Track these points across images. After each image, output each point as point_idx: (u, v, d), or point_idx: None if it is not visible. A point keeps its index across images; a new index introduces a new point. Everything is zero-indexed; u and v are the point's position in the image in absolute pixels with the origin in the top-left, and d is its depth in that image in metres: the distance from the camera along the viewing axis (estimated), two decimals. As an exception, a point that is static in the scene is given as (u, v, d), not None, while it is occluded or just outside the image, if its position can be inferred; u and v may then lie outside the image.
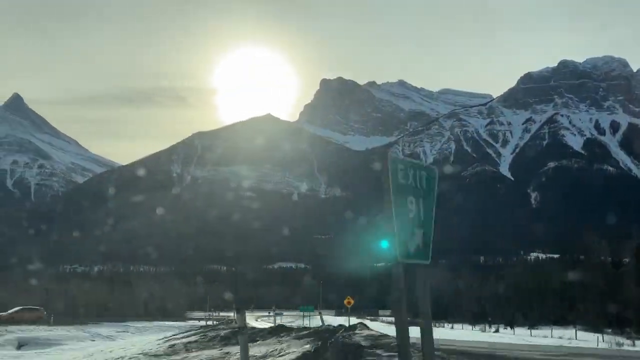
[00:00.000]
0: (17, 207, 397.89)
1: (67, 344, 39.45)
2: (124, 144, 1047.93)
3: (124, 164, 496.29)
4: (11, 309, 63.83)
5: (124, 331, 52.00)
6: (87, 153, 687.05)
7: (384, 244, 5.44)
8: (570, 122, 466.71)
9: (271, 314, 74.82)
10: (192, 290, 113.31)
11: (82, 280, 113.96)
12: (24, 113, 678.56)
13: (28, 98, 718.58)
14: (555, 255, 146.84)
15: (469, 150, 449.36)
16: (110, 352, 27.25)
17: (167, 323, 66.45)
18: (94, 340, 42.75)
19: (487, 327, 78.65)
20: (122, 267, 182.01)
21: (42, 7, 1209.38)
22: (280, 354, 16.09)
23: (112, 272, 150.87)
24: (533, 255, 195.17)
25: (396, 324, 5.23)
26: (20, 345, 38.26)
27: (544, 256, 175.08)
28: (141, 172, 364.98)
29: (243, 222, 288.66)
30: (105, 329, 51.69)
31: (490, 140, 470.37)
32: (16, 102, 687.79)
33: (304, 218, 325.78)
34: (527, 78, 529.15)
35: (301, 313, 59.86)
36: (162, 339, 30.01)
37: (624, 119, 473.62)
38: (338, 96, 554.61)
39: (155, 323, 64.96)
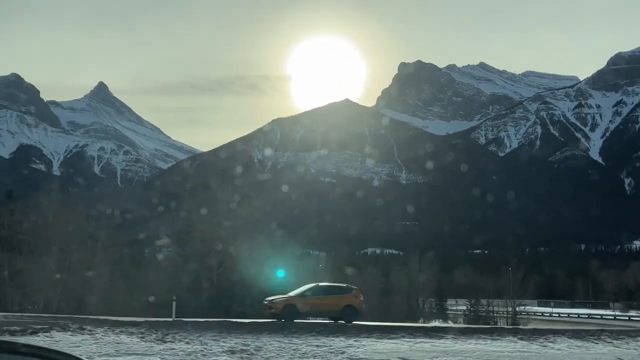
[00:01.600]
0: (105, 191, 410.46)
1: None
2: (203, 131, 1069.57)
3: (204, 150, 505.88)
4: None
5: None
6: (169, 140, 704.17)
7: None
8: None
9: None
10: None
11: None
12: (108, 101, 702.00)
13: (112, 87, 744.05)
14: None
15: (556, 134, 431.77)
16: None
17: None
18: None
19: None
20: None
21: (127, 3, 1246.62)
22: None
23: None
24: (637, 243, 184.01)
25: None
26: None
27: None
28: (223, 158, 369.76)
29: (324, 208, 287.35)
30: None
31: (579, 124, 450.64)
32: (101, 91, 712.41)
33: (385, 204, 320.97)
34: (618, 58, 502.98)
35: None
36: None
37: None
38: (417, 80, 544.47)
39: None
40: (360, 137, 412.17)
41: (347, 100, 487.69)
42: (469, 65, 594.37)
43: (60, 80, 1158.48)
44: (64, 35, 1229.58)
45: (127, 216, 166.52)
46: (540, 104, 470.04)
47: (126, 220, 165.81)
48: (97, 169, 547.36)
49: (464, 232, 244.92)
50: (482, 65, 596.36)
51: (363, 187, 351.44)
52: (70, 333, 20.30)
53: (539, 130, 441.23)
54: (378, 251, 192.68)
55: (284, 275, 65.04)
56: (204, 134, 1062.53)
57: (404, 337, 22.75)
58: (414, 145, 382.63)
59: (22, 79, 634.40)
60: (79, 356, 3.86)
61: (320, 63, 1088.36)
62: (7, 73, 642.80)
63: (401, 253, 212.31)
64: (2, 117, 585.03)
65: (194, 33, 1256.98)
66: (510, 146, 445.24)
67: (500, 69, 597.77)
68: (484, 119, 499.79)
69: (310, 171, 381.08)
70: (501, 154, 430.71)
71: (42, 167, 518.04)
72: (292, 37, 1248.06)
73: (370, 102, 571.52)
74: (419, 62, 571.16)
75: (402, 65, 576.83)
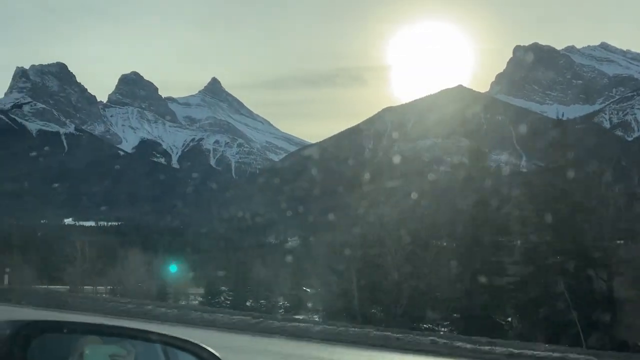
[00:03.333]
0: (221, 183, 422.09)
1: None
2: (310, 122, 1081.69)
3: (312, 141, 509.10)
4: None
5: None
6: (279, 132, 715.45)
7: None
8: None
9: None
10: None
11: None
12: (221, 96, 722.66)
13: (224, 83, 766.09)
14: None
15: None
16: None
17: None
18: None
19: None
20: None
21: (235, 2, 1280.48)
22: None
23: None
24: None
25: None
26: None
27: None
28: (334, 148, 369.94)
29: (441, 197, 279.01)
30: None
31: None
32: (214, 87, 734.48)
33: (505, 194, 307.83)
34: None
35: None
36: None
37: None
38: (533, 63, 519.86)
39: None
40: (476, 124, 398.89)
41: (460, 86, 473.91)
42: (589, 46, 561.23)
43: (176, 77, 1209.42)
44: (178, 35, 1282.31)
45: (257, 219, 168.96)
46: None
47: (256, 223, 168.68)
48: (212, 162, 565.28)
49: (594, 221, 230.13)
50: (604, 46, 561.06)
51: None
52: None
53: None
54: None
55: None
56: (310, 125, 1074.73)
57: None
58: (533, 132, 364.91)
59: (142, 76, 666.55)
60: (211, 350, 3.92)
61: (426, 50, 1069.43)
62: (128, 71, 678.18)
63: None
64: (124, 114, 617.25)
65: (298, 27, 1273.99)
66: (639, 130, 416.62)
67: (624, 49, 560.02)
68: (608, 102, 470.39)
69: (423, 160, 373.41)
70: (629, 138, 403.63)
71: (162, 160, 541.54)
72: (394, 26, 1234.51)
73: (483, 88, 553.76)
74: (535, 44, 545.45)
75: (518, 49, 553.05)
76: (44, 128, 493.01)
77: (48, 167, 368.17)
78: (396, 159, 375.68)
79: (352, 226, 55.90)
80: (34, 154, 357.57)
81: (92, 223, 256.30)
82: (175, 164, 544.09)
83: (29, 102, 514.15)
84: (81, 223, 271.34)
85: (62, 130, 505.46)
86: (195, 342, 3.97)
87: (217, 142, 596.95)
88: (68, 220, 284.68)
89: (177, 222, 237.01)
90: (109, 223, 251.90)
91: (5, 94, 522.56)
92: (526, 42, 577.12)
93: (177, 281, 62.35)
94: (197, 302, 60.59)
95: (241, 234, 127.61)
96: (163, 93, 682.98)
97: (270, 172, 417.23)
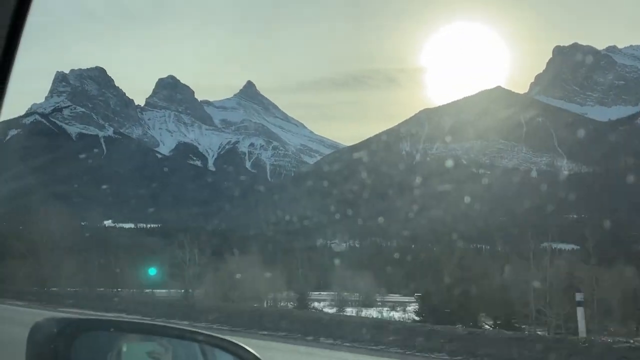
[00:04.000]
0: (254, 184, 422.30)
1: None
2: (344, 125, 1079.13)
3: (346, 144, 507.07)
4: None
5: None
6: (313, 135, 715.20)
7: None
8: None
9: None
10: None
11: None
12: (256, 99, 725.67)
13: (259, 86, 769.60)
14: None
15: None
16: None
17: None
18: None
19: None
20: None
21: (268, 6, 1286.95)
22: None
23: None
24: None
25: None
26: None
27: None
28: (370, 151, 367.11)
29: (480, 201, 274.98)
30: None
31: None
32: (249, 90, 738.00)
33: (547, 196, 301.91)
34: None
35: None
36: None
37: None
38: (574, 64, 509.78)
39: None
40: (515, 125, 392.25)
41: (499, 87, 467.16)
42: (631, 45, 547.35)
43: (212, 80, 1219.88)
44: (214, 38, 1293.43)
45: (305, 222, 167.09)
46: None
47: (304, 226, 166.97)
48: (248, 164, 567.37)
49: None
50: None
51: (520, 177, 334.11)
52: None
53: None
54: (554, 246, 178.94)
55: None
56: (344, 128, 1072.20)
57: None
58: (575, 133, 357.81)
59: (178, 80, 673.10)
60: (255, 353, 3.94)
61: (462, 51, 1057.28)
62: (165, 75, 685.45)
63: (575, 247, 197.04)
64: (162, 117, 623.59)
65: (330, 30, 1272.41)
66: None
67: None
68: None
69: (462, 162, 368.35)
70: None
71: (198, 163, 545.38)
72: (429, 27, 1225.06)
73: (522, 89, 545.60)
74: (575, 44, 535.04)
75: (557, 49, 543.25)
76: (83, 131, 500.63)
77: (89, 169, 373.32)
78: (436, 162, 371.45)
79: (401, 230, 55.40)
80: (83, 156, 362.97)
81: (131, 225, 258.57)
82: (211, 166, 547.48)
83: (68, 106, 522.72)
84: (121, 225, 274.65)
85: (100, 134, 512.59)
86: (235, 341, 4.03)
87: (252, 144, 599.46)
88: (108, 222, 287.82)
89: (223, 225, 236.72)
90: (149, 225, 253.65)
91: (46, 98, 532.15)
92: (566, 42, 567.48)
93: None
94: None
95: (289, 236, 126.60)
96: (199, 96, 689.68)
97: (315, 174, 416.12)
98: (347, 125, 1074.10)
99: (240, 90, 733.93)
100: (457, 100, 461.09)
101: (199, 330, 4.10)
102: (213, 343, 3.96)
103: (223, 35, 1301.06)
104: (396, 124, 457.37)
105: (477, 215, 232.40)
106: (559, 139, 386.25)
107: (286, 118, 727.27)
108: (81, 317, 3.91)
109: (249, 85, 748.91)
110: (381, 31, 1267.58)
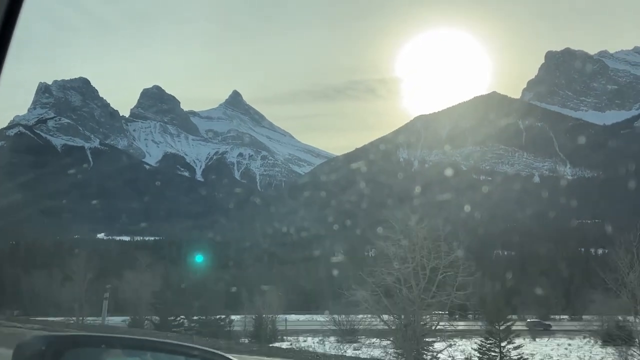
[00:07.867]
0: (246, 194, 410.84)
1: None
2: (330, 134, 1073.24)
3: (335, 154, 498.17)
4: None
5: None
6: (301, 144, 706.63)
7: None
8: None
9: None
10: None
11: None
12: (243, 109, 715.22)
13: (245, 96, 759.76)
14: None
15: None
16: None
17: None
18: None
19: None
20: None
21: (250, 17, 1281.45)
22: None
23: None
24: None
25: None
26: None
27: None
28: (367, 160, 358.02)
29: (482, 207, 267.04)
30: None
31: None
32: (235, 100, 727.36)
33: (550, 201, 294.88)
34: None
35: None
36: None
37: None
38: (566, 69, 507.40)
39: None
40: (514, 130, 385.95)
41: (495, 92, 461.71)
42: (622, 50, 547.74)
43: (197, 90, 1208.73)
44: (198, 48, 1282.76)
45: (303, 234, 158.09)
46: None
47: (302, 238, 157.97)
48: (237, 175, 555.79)
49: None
50: (638, 50, 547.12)
51: (523, 183, 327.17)
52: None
53: None
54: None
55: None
56: (333, 137, 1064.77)
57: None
58: (576, 138, 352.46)
59: (164, 90, 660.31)
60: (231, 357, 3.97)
61: (451, 58, 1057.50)
62: (149, 85, 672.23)
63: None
64: (147, 128, 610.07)
65: (311, 42, 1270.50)
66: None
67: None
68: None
69: (461, 169, 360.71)
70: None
71: (186, 173, 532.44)
72: (415, 37, 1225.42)
73: (514, 94, 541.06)
74: (567, 49, 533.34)
75: (549, 54, 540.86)
76: (69, 143, 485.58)
77: (76, 182, 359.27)
78: (434, 169, 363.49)
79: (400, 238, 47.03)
80: (72, 171, 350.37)
81: (127, 238, 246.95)
82: (199, 177, 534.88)
83: (52, 117, 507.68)
84: (113, 237, 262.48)
85: (87, 145, 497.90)
86: (222, 353, 4.00)
87: (240, 154, 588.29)
88: (100, 236, 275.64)
89: (219, 237, 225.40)
90: (145, 237, 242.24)
91: (29, 110, 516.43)
92: (558, 48, 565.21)
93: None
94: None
95: (285, 248, 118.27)
96: (185, 107, 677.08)
97: (311, 185, 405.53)
98: (334, 134, 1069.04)
99: (226, 100, 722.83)
100: (453, 106, 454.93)
101: (191, 345, 4.05)
102: (200, 356, 3.89)
103: (207, 45, 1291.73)
104: (391, 131, 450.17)
105: (485, 223, 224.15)
106: (559, 144, 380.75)
107: (273, 128, 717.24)
108: (68, 333, 3.94)
109: (235, 94, 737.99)
110: (364, 40, 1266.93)
